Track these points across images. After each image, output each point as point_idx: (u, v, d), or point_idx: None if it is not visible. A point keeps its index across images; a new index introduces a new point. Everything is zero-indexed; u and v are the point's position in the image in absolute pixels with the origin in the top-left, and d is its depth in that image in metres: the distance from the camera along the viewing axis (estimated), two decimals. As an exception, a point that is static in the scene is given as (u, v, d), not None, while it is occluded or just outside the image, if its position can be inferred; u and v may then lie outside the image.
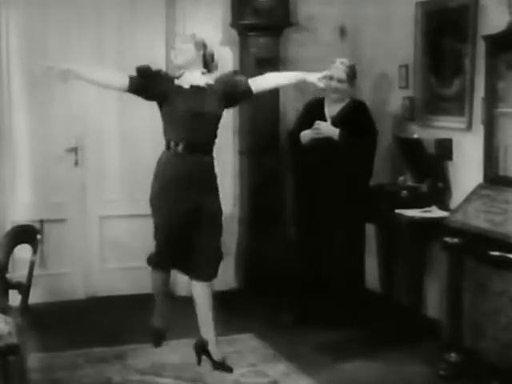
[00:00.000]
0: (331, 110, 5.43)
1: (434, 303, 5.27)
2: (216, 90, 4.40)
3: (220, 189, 6.17)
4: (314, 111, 5.48)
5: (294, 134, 5.52)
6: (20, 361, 3.75)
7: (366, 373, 4.63)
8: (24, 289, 3.77)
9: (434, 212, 5.02)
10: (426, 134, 5.36)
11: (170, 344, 4.99)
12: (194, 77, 4.41)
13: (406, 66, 5.70)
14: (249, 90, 4.46)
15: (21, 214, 5.73)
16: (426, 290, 5.23)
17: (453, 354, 4.44)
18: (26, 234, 3.96)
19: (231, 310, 5.69)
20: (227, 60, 6.12)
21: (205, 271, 4.45)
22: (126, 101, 6.05)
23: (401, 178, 5.42)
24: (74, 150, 5.99)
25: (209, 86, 4.41)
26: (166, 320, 4.70)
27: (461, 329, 4.46)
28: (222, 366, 4.50)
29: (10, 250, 3.96)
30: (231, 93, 4.45)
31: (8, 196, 5.86)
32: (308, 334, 5.16)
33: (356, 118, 5.34)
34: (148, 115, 6.09)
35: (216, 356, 4.51)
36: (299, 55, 6.23)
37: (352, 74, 5.41)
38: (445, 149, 5.14)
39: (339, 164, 5.22)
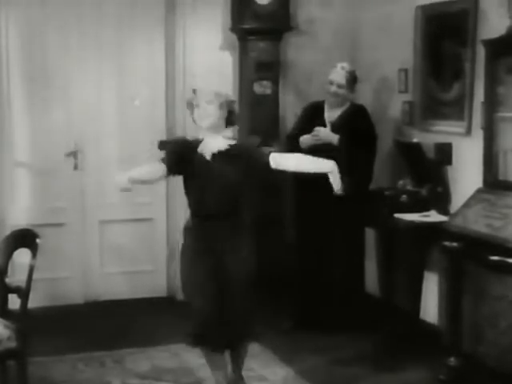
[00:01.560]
0: (331, 114, 5.43)
1: (433, 307, 5.26)
2: (238, 161, 4.09)
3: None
4: (313, 115, 5.48)
5: (293, 137, 5.52)
6: (20, 365, 3.75)
7: (364, 377, 4.63)
8: (23, 293, 3.77)
9: (434, 216, 5.02)
10: (425, 138, 5.36)
11: (170, 348, 4.99)
12: (216, 143, 4.11)
13: (406, 70, 5.70)
14: (267, 166, 4.11)
15: (20, 218, 5.72)
16: (426, 295, 5.22)
17: (452, 359, 4.44)
18: (25, 238, 3.96)
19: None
20: (227, 64, 6.14)
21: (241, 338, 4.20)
22: (125, 105, 6.09)
23: (400, 183, 5.41)
24: (74, 154, 6.00)
25: (231, 147, 4.12)
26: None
27: (460, 333, 4.46)
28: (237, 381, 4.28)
29: (9, 254, 3.96)
30: (251, 168, 4.14)
31: (7, 200, 5.86)
32: (307, 338, 5.16)
33: (356, 122, 5.35)
34: (147, 120, 6.14)
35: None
36: (299, 59, 6.23)
37: (352, 80, 5.41)
38: (444, 153, 5.13)
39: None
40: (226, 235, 4.10)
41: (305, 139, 5.36)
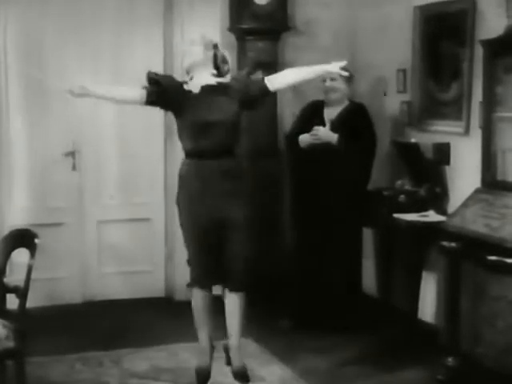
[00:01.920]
0: (330, 112, 5.43)
1: (431, 307, 5.26)
2: (231, 92, 4.18)
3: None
4: (312, 114, 5.49)
5: (292, 136, 5.52)
6: (18, 365, 3.75)
7: (363, 377, 4.62)
8: (22, 293, 3.77)
9: (432, 216, 5.02)
10: (423, 138, 5.36)
11: (167, 348, 4.99)
12: (204, 79, 4.21)
13: (404, 71, 5.71)
14: (265, 89, 4.22)
15: (18, 218, 5.72)
16: (424, 294, 5.23)
17: (450, 359, 4.43)
18: (23, 238, 3.96)
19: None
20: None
21: (234, 283, 4.30)
22: (123, 106, 6.08)
23: (398, 183, 5.42)
24: (72, 154, 5.99)
25: (221, 84, 4.21)
26: (211, 355, 4.41)
27: (458, 333, 4.46)
28: (239, 375, 4.37)
29: (7, 254, 3.96)
30: (247, 94, 4.20)
31: (5, 200, 5.86)
32: (306, 339, 5.16)
33: (355, 120, 5.35)
34: (145, 119, 6.13)
35: (235, 363, 4.38)
36: (297, 59, 6.20)
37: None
38: (442, 153, 5.14)
39: (337, 169, 5.22)
40: (222, 177, 4.13)
41: (304, 138, 5.36)
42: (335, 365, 4.80)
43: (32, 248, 3.84)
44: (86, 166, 6.05)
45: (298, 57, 6.22)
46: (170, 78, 4.41)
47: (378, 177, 5.63)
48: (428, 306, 5.29)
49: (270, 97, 4.45)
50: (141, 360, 4.84)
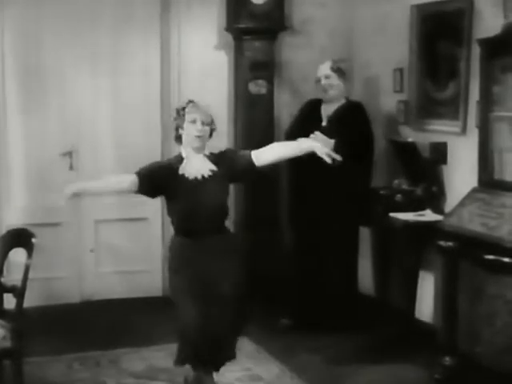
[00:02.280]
0: (327, 109, 5.44)
1: (428, 307, 5.27)
2: (220, 176, 4.05)
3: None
4: (310, 111, 5.51)
5: (291, 134, 5.52)
6: (15, 365, 3.75)
7: (361, 377, 4.63)
8: (19, 292, 3.77)
9: (429, 216, 5.03)
10: (420, 137, 5.37)
11: (165, 348, 4.99)
12: (198, 164, 4.05)
13: (401, 70, 5.71)
14: (252, 164, 4.07)
15: (16, 217, 5.72)
16: (421, 294, 5.23)
17: (448, 358, 4.44)
18: (20, 237, 3.96)
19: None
20: (222, 64, 6.14)
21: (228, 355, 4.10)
22: (120, 105, 6.08)
23: (395, 182, 5.42)
24: (69, 153, 5.99)
25: (213, 173, 4.05)
26: None
27: (456, 333, 4.46)
28: None
29: (5, 254, 3.97)
30: (234, 171, 4.09)
31: (3, 200, 5.86)
32: (303, 338, 5.16)
33: (352, 118, 5.35)
34: (143, 119, 6.14)
35: None
36: (294, 59, 6.24)
37: (337, 69, 5.41)
38: (439, 152, 5.14)
39: (335, 171, 5.22)
40: (215, 253, 4.02)
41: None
42: (331, 363, 4.80)
43: (29, 248, 3.84)
44: (84, 165, 6.04)
45: (294, 56, 6.24)
46: (160, 167, 4.14)
47: (375, 176, 5.62)
48: (425, 305, 5.29)
49: (254, 174, 4.19)
50: (138, 360, 4.84)
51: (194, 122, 4.02)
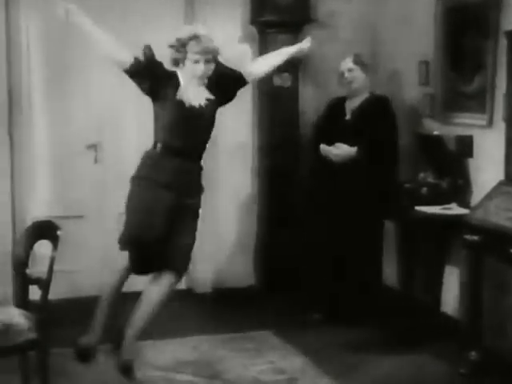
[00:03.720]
0: (351, 104, 5.45)
1: (453, 300, 5.23)
2: (214, 104, 4.23)
3: (238, 186, 6.21)
4: (335, 108, 5.50)
5: (318, 131, 5.54)
6: (40, 356, 3.76)
7: (384, 370, 4.60)
8: (44, 284, 3.78)
9: (454, 209, 4.99)
10: (446, 130, 5.33)
11: (189, 340, 5.00)
12: (196, 92, 4.17)
13: (426, 63, 5.67)
14: (244, 84, 4.34)
15: (41, 210, 5.76)
16: (446, 287, 5.20)
17: (473, 353, 4.40)
18: (45, 229, 3.97)
19: (250, 307, 5.70)
20: (247, 57, 6.12)
21: (174, 263, 4.32)
22: (145, 99, 6.08)
23: (421, 175, 5.39)
24: (94, 146, 6.01)
25: (209, 101, 4.22)
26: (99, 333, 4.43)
27: (481, 327, 4.43)
28: (124, 369, 4.24)
29: (30, 246, 3.97)
30: (228, 96, 4.29)
31: (28, 192, 5.89)
32: (327, 332, 5.15)
33: (377, 113, 5.34)
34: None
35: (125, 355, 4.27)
36: (319, 52, 6.18)
37: (360, 61, 5.42)
38: (465, 146, 5.10)
39: (361, 166, 5.23)
40: (189, 176, 4.21)
41: (325, 151, 5.36)
42: (356, 358, 4.78)
43: (54, 240, 3.85)
44: (108, 158, 6.06)
45: (319, 49, 6.18)
46: (167, 71, 4.25)
47: (400, 169, 5.59)
48: (450, 299, 5.26)
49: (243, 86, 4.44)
50: (162, 352, 4.85)
51: (197, 62, 4.10)
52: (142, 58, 4.14)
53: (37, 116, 5.89)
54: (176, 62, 4.19)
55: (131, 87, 6.01)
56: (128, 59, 4.13)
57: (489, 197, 4.51)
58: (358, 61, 5.41)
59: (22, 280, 3.93)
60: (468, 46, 5.23)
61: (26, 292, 3.92)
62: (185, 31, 4.25)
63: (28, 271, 3.91)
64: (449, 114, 5.43)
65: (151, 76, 4.15)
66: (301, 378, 4.49)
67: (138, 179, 4.34)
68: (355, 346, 4.95)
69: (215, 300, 6.00)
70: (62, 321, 4.84)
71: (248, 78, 4.35)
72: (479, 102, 5.10)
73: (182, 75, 4.19)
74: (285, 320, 5.34)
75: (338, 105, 5.52)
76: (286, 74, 6.03)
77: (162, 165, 4.23)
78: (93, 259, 6.06)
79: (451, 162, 5.21)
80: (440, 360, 4.68)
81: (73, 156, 5.95)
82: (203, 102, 4.17)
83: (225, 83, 4.27)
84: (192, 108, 4.15)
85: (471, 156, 5.11)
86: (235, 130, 6.19)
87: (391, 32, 6.11)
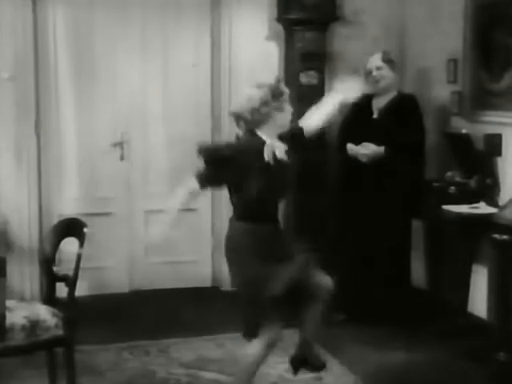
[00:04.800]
0: (378, 102, 5.41)
1: (482, 301, 5.18)
2: (288, 156, 3.84)
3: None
4: (362, 105, 5.44)
5: (344, 129, 5.51)
6: (67, 352, 3.78)
7: (410, 370, 4.58)
8: (71, 281, 3.80)
9: (483, 208, 4.94)
10: (474, 129, 5.27)
11: (214, 338, 5.00)
12: (278, 146, 3.77)
13: (455, 60, 5.61)
14: (302, 134, 3.98)
15: (67, 207, 5.79)
16: (474, 288, 5.15)
17: (502, 354, 4.35)
18: (72, 227, 3.98)
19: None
20: (273, 55, 6.11)
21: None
22: (170, 96, 6.10)
23: (449, 174, 5.34)
24: (120, 144, 6.03)
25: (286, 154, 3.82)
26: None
27: (509, 328, 4.37)
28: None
29: (57, 243, 3.99)
30: (295, 149, 3.92)
31: (55, 190, 5.92)
32: (356, 332, 5.11)
33: (405, 113, 5.29)
34: (192, 110, 6.15)
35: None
36: (345, 50, 6.17)
37: (388, 60, 5.38)
38: (494, 144, 5.04)
39: (389, 165, 5.20)
40: (279, 238, 3.90)
41: (352, 150, 5.33)
42: (382, 356, 4.75)
43: (81, 237, 3.86)
44: (134, 156, 6.08)
45: (346, 47, 6.18)
46: (233, 154, 3.75)
47: (428, 168, 5.55)
48: (478, 299, 5.21)
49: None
50: (188, 350, 4.85)
51: (282, 109, 3.82)
52: (202, 166, 3.74)
53: (63, 114, 5.92)
54: (263, 120, 3.78)
55: (157, 84, 6.08)
56: (195, 186, 3.81)
57: (518, 196, 4.46)
58: (386, 59, 5.37)
59: (49, 277, 3.96)
60: (497, 43, 5.18)
61: (53, 289, 3.95)
62: (274, 80, 3.94)
63: (55, 268, 3.93)
64: (477, 112, 5.38)
65: (222, 170, 3.76)
66: (326, 375, 4.46)
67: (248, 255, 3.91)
68: (380, 345, 4.91)
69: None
70: (88, 318, 4.85)
71: (306, 133, 4.00)
72: (508, 99, 5.05)
73: (265, 133, 3.79)
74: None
75: (364, 103, 5.47)
76: (312, 72, 6.00)
77: (258, 236, 3.84)
78: (119, 256, 6.09)
79: (479, 161, 5.16)
80: (468, 360, 4.63)
81: (99, 154, 5.97)
82: (283, 155, 3.79)
83: (294, 142, 3.93)
84: (281, 162, 3.78)
85: (500, 155, 5.05)
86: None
87: (419, 29, 6.07)
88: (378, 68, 5.36)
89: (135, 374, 4.51)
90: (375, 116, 5.41)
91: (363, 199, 5.30)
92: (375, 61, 5.39)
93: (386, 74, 5.36)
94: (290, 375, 4.39)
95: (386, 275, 5.30)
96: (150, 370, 4.56)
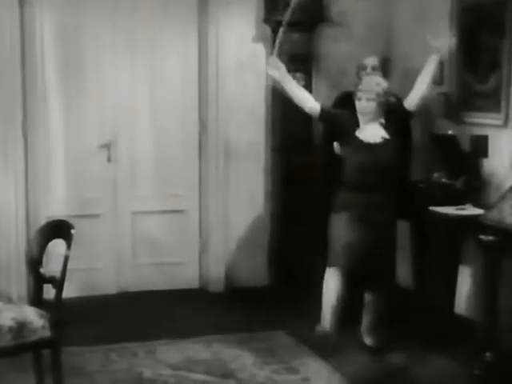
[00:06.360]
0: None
1: (468, 302, 5.20)
2: (391, 142, 4.68)
3: (252, 184, 6.20)
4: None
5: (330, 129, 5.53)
6: (54, 354, 3.77)
7: (396, 371, 4.59)
8: (58, 283, 3.79)
9: (469, 209, 4.96)
10: (461, 130, 5.30)
11: (202, 340, 5.00)
12: (372, 131, 4.68)
13: (441, 62, 5.62)
14: (408, 112, 4.78)
15: (55, 209, 5.77)
16: (460, 289, 5.17)
17: (488, 354, 4.37)
18: (59, 228, 3.97)
19: (263, 306, 5.68)
20: (260, 56, 6.12)
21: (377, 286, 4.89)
22: (157, 98, 6.10)
23: (435, 175, 5.36)
24: (107, 146, 6.02)
25: (385, 140, 4.67)
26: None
27: (496, 328, 4.40)
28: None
29: (44, 245, 3.98)
30: (398, 125, 4.79)
31: (42, 192, 5.90)
32: (344, 333, 5.11)
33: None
34: (180, 113, 6.15)
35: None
36: (332, 51, 6.19)
37: (384, 64, 5.51)
38: (480, 146, 5.07)
39: None
40: (375, 211, 4.67)
41: (338, 150, 5.34)
42: (371, 358, 4.77)
43: (68, 239, 3.85)
44: (121, 157, 6.07)
45: (333, 48, 6.19)
46: (343, 115, 4.81)
47: (414, 169, 5.57)
48: (465, 299, 5.23)
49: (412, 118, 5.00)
50: (175, 351, 4.85)
51: (359, 99, 4.65)
52: (325, 109, 4.81)
53: (51, 116, 5.90)
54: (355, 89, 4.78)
55: (144, 86, 6.08)
56: (317, 108, 4.78)
57: (504, 197, 4.48)
58: (382, 63, 5.46)
59: (37, 279, 3.95)
60: (483, 45, 5.20)
61: (40, 291, 3.94)
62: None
63: (42, 270, 3.93)
64: (464, 114, 5.40)
65: (337, 124, 4.81)
66: (313, 377, 4.48)
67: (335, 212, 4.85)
68: (369, 346, 4.92)
69: (228, 299, 6.00)
70: (76, 319, 4.85)
71: (412, 109, 4.78)
72: (494, 101, 5.08)
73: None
74: (298, 320, 5.32)
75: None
76: (299, 74, 6.00)
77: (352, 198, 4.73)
78: (107, 258, 6.08)
79: (466, 162, 5.18)
80: (454, 361, 4.65)
81: (86, 155, 5.96)
82: (379, 140, 4.66)
83: (397, 124, 4.77)
84: (369, 145, 4.66)
85: (486, 156, 5.08)
86: (248, 130, 6.18)
87: (406, 31, 6.09)
88: (374, 68, 5.38)
89: (122, 375, 4.50)
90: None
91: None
92: (373, 60, 5.43)
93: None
94: (277, 376, 4.41)
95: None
96: (137, 371, 4.55)
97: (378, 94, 4.61)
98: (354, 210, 4.65)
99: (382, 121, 4.67)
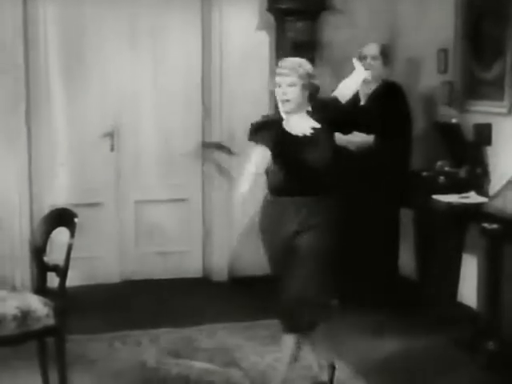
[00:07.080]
0: (365, 88, 5.35)
1: (471, 290, 5.20)
2: (323, 132, 3.85)
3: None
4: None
5: None
6: (58, 342, 3.78)
7: (400, 359, 4.59)
8: (61, 271, 3.80)
9: (473, 198, 4.95)
10: (464, 118, 5.29)
11: (205, 328, 5.01)
12: (300, 122, 3.85)
13: (445, 50, 5.62)
14: (338, 104, 4.09)
15: (58, 198, 5.77)
16: (464, 277, 5.17)
17: (491, 343, 4.38)
18: (63, 217, 3.98)
19: (265, 295, 5.68)
20: (264, 44, 6.10)
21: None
22: (161, 86, 6.09)
23: (439, 164, 5.35)
24: (110, 135, 6.01)
25: (315, 130, 3.83)
26: None
27: (499, 317, 4.40)
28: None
29: (47, 234, 3.99)
30: (331, 121, 3.93)
31: (46, 181, 5.91)
32: (345, 319, 5.12)
33: (389, 98, 5.30)
34: (183, 100, 6.14)
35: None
36: (336, 38, 6.16)
37: (385, 53, 5.39)
38: (484, 134, 5.06)
39: (373, 161, 5.20)
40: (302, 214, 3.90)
41: (340, 139, 5.32)
42: (371, 344, 4.78)
43: (71, 227, 3.86)
44: (124, 146, 6.07)
45: (336, 36, 6.17)
46: (269, 122, 3.94)
47: (417, 158, 5.56)
48: (468, 288, 5.23)
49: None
50: (178, 340, 4.86)
51: (279, 85, 3.83)
52: (266, 141, 3.78)
53: (54, 105, 5.90)
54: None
55: (147, 74, 6.07)
56: (258, 167, 3.76)
57: (507, 185, 4.47)
58: (383, 52, 5.39)
59: (40, 267, 3.96)
60: (488, 33, 5.18)
61: (43, 279, 3.94)
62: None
63: (46, 258, 3.93)
64: (467, 102, 5.38)
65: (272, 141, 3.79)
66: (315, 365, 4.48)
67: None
68: (370, 332, 4.93)
69: (232, 288, 6.01)
70: (79, 308, 4.86)
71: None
72: (498, 89, 5.06)
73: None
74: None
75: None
76: (303, 62, 5.98)
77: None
78: (110, 246, 6.08)
79: (469, 151, 5.17)
80: (457, 349, 4.65)
81: (89, 144, 5.96)
82: (308, 132, 3.82)
83: (329, 115, 3.95)
84: (299, 138, 3.83)
85: (490, 144, 5.07)
86: (251, 117, 6.15)
87: (410, 19, 6.06)
88: (374, 58, 5.35)
89: (126, 363, 4.51)
90: (363, 103, 5.40)
91: (350, 188, 5.29)
92: (372, 49, 5.39)
93: (378, 65, 5.36)
94: (279, 365, 4.40)
95: (374, 264, 5.31)
96: (140, 359, 4.56)
97: (300, 76, 3.80)
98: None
99: (309, 108, 3.90)
